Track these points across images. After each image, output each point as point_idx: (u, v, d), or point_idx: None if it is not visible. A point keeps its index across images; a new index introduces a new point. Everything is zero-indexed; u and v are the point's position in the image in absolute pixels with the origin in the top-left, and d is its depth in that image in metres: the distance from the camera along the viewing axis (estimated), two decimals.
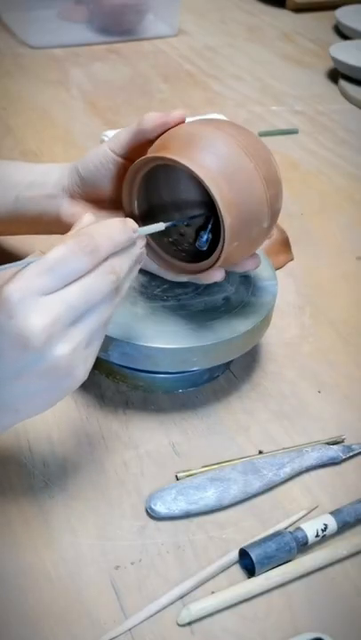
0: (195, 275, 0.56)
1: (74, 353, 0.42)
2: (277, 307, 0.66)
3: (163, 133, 0.54)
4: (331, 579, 0.50)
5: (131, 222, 0.46)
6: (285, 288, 0.76)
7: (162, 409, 0.62)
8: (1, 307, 0.41)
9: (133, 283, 0.62)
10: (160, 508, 0.52)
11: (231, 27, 1.53)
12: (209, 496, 0.53)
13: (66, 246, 0.42)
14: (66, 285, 0.42)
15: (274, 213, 0.54)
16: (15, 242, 0.79)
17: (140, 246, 0.47)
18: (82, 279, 0.42)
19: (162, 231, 0.51)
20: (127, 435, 0.59)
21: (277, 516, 0.54)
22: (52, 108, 1.10)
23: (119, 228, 0.45)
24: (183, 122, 0.55)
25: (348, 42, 1.33)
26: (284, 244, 0.82)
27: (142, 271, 0.63)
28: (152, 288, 0.62)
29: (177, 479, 0.55)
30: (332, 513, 0.53)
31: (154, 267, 0.59)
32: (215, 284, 0.63)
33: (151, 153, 0.53)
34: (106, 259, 0.44)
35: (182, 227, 0.59)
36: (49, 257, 0.42)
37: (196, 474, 0.55)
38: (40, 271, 0.41)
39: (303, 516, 0.54)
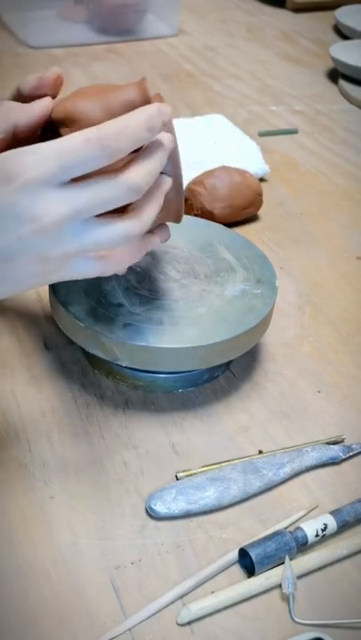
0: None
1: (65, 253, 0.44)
2: (277, 307, 0.66)
3: (41, 96, 0.52)
4: (331, 579, 0.50)
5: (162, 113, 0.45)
6: (285, 288, 0.76)
7: (162, 409, 0.62)
8: (20, 190, 0.41)
9: (130, 283, 0.62)
10: (160, 507, 0.52)
11: (231, 27, 1.53)
12: (209, 496, 0.53)
13: (86, 141, 0.42)
14: (77, 182, 0.43)
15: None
16: None
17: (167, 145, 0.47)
18: (93, 183, 0.43)
19: None
20: (127, 434, 0.59)
21: (277, 515, 0.54)
22: None
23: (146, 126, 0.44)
24: (60, 80, 0.53)
25: (347, 42, 1.34)
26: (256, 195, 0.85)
27: (140, 272, 0.63)
28: (149, 289, 0.62)
29: (177, 479, 0.55)
30: (331, 513, 0.53)
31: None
32: (215, 282, 0.63)
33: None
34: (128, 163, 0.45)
35: None
36: (65, 144, 0.42)
37: (195, 473, 0.55)
38: (50, 157, 0.42)
39: (303, 516, 0.54)
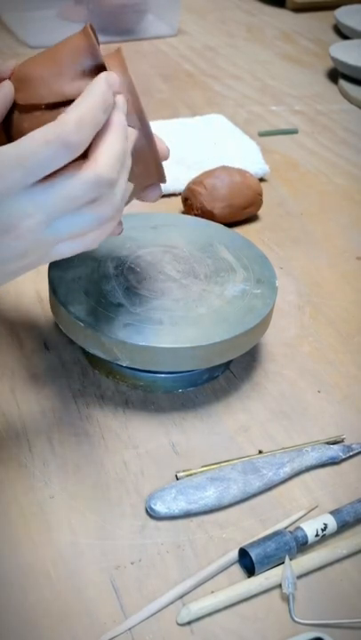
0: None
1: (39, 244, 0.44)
2: (277, 307, 0.66)
3: None
4: (331, 579, 0.50)
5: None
6: (285, 288, 0.76)
7: (162, 409, 0.62)
8: None
9: (130, 283, 0.62)
10: (160, 507, 0.52)
11: (231, 27, 1.53)
12: (209, 496, 0.53)
13: (46, 143, 0.41)
14: (45, 182, 0.42)
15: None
16: None
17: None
18: (63, 182, 0.42)
19: None
20: (127, 434, 0.59)
21: (277, 515, 0.54)
22: None
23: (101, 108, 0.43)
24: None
25: (347, 42, 1.34)
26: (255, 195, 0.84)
27: (140, 272, 0.63)
28: (149, 289, 0.62)
29: (177, 479, 0.55)
30: (331, 512, 0.53)
31: None
32: (215, 282, 0.63)
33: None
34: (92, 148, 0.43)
35: None
36: (25, 149, 0.41)
37: (195, 473, 0.55)
38: (13, 164, 0.41)
39: (303, 516, 0.54)
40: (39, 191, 0.42)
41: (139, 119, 0.50)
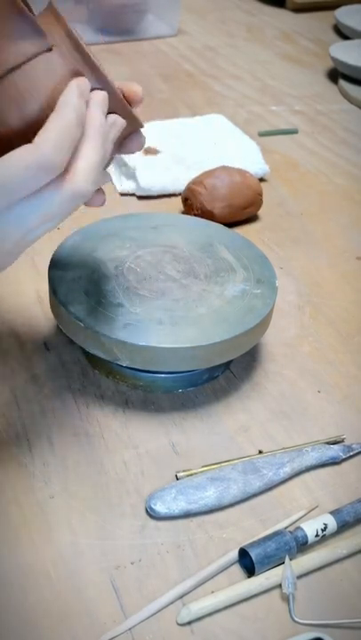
0: None
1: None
2: (277, 307, 0.66)
3: None
4: (331, 579, 0.50)
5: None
6: (285, 288, 0.76)
7: (162, 409, 0.62)
8: None
9: (130, 283, 0.62)
10: (160, 507, 0.52)
11: (231, 27, 1.53)
12: (209, 496, 0.53)
13: (25, 168, 0.41)
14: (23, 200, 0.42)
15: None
16: None
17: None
18: (41, 201, 0.43)
19: None
20: (127, 434, 0.59)
21: (277, 515, 0.54)
22: None
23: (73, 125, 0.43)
24: None
25: (347, 42, 1.34)
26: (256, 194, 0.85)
27: (140, 272, 0.63)
28: (149, 289, 0.62)
29: (177, 479, 0.55)
30: (331, 513, 0.53)
31: None
32: (215, 282, 0.63)
33: None
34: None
35: None
36: (5, 173, 0.41)
37: (196, 473, 0.55)
38: None
39: (303, 516, 0.54)
40: (18, 211, 0.43)
41: (87, 65, 0.46)
